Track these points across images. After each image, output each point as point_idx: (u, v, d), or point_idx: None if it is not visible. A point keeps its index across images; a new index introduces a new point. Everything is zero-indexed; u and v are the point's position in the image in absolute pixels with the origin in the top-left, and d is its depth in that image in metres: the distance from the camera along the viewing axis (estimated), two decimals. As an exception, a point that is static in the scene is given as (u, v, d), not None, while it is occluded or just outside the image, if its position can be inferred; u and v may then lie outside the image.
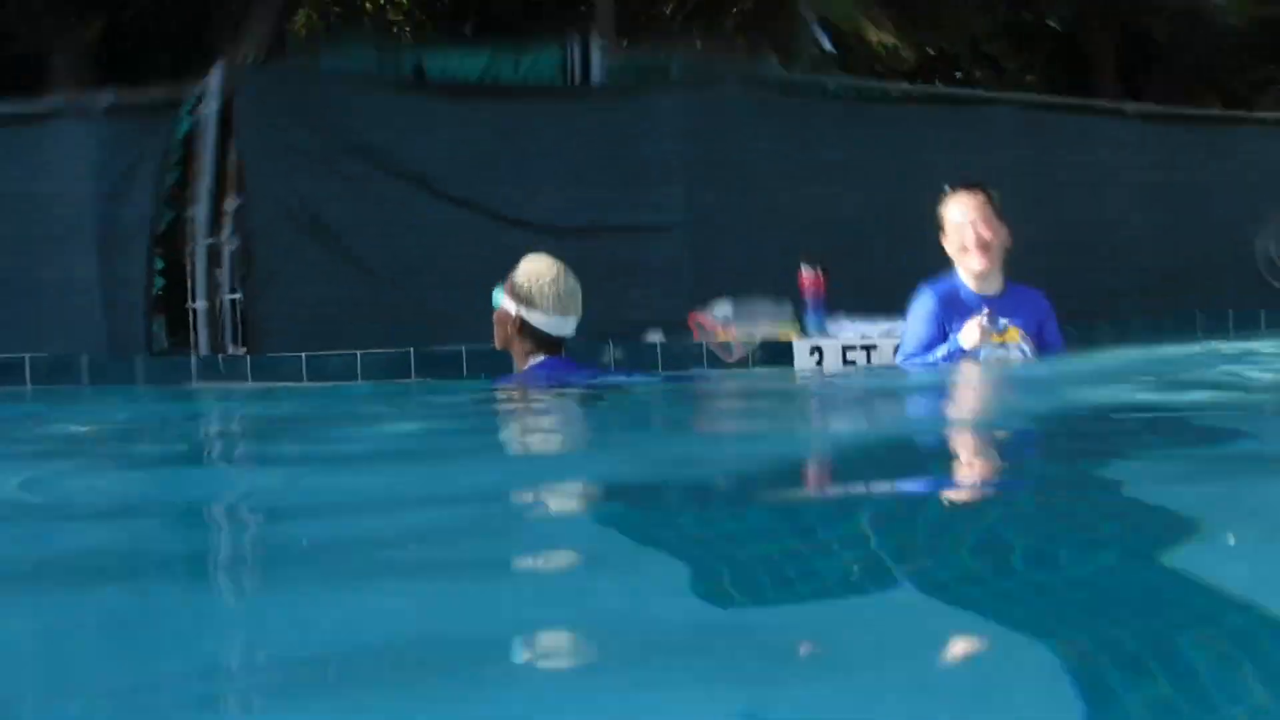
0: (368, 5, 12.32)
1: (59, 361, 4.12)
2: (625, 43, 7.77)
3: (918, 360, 3.98)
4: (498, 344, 3.52)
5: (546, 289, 3.42)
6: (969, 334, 3.86)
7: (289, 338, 6.27)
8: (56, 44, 8.41)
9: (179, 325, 7.14)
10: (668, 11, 12.90)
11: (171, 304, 7.50)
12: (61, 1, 7.97)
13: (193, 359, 4.39)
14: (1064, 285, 7.11)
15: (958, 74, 12.24)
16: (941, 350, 3.94)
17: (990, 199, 4.01)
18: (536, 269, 3.46)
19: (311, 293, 6.35)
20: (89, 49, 8.53)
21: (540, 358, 3.45)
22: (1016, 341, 3.96)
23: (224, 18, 8.70)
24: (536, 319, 3.41)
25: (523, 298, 3.41)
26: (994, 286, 4.03)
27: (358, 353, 4.48)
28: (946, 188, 4.09)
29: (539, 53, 7.24)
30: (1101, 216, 7.88)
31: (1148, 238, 8.02)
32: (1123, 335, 6.14)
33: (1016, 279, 4.20)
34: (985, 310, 3.87)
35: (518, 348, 3.46)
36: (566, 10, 11.57)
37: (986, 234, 3.93)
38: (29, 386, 4.23)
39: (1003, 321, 3.91)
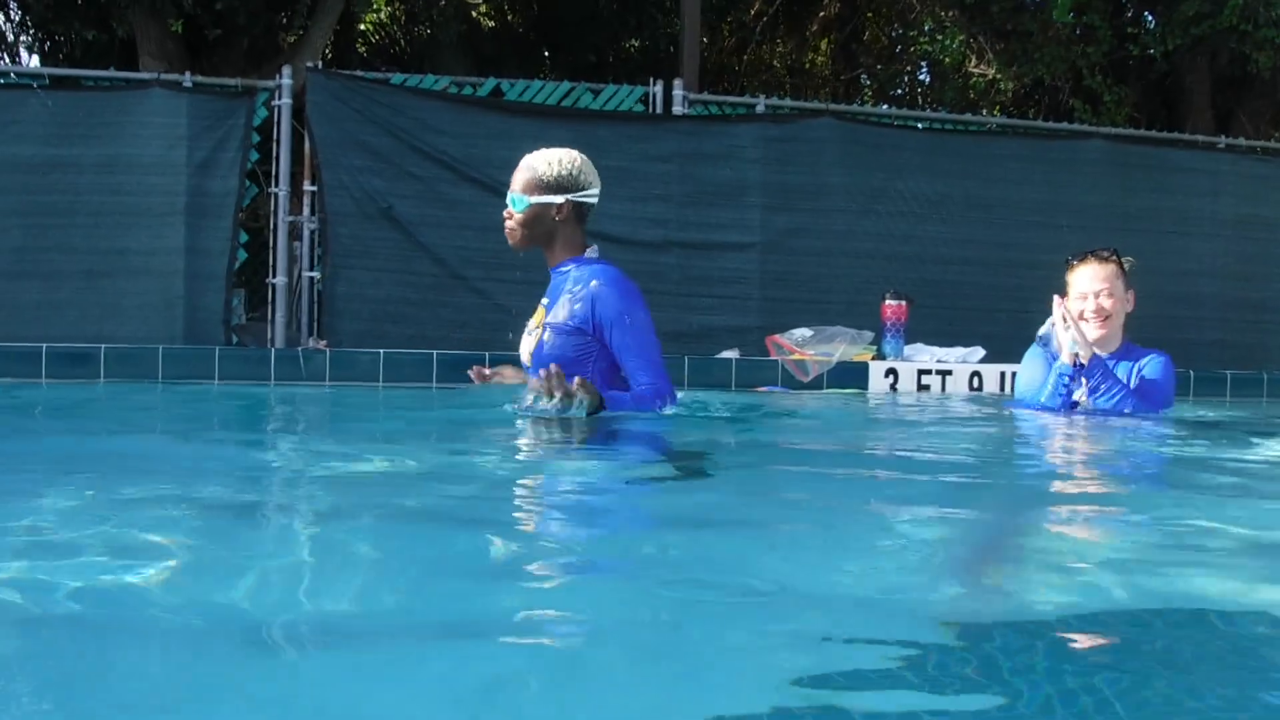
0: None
1: (133, 354, 4.12)
2: (707, 92, 7.77)
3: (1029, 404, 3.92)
4: (525, 243, 3.33)
5: (586, 164, 3.36)
6: (1063, 349, 3.81)
7: (362, 320, 6.45)
8: (145, 29, 8.70)
9: (258, 301, 7.33)
10: (749, 19, 12.90)
11: (251, 279, 7.71)
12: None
13: (271, 354, 4.41)
14: (1140, 331, 7.01)
15: (1048, 100, 12.07)
16: (1049, 386, 3.87)
17: (1122, 268, 3.95)
18: (559, 155, 3.34)
19: (384, 277, 6.52)
20: (174, 34, 8.83)
21: (594, 247, 3.37)
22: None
23: (294, 13, 8.91)
24: (591, 196, 3.35)
25: (567, 184, 3.31)
26: (1109, 348, 3.96)
27: (434, 353, 4.49)
28: (1071, 258, 4.02)
29: (620, 91, 7.27)
30: (1187, 256, 7.69)
31: (1238, 277, 7.82)
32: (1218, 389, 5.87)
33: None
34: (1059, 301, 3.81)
35: (564, 239, 3.33)
36: (649, 56, 11.67)
37: (1109, 306, 3.88)
38: (102, 380, 4.20)
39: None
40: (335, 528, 1.59)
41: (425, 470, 2.28)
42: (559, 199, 3.31)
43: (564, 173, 3.33)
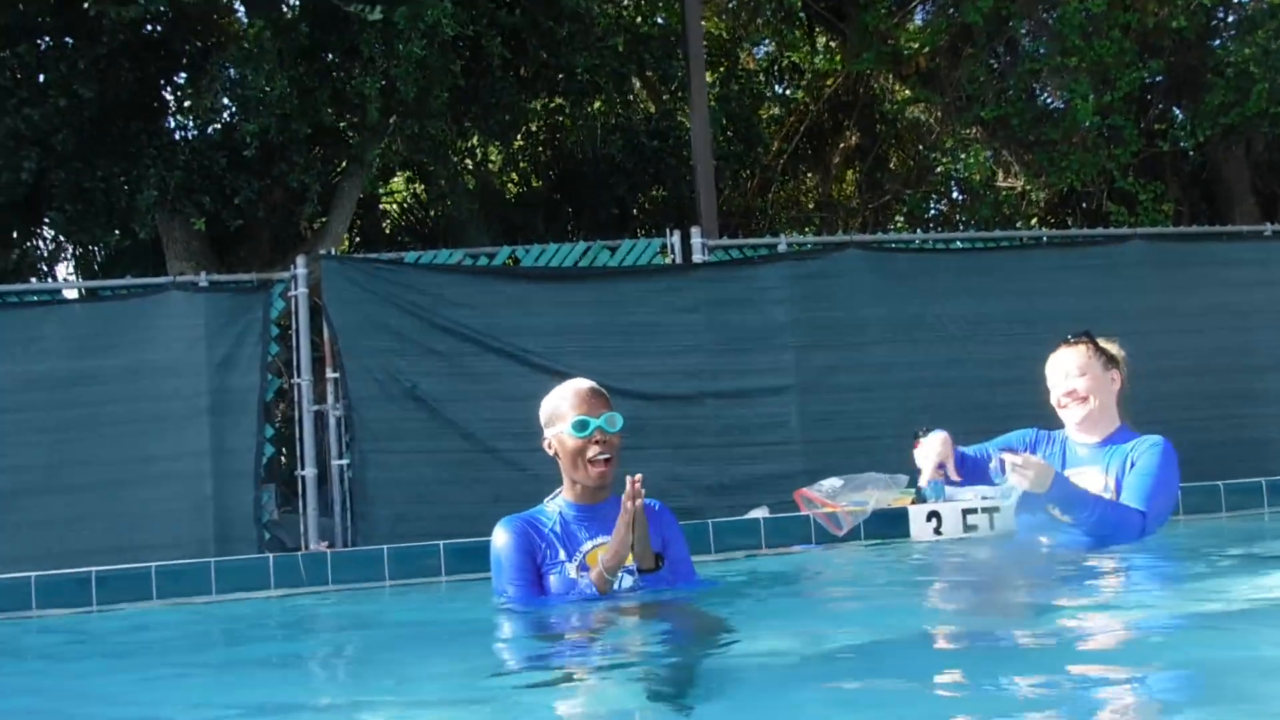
0: (467, 163, 12.64)
1: (126, 575, 3.98)
2: (727, 236, 7.68)
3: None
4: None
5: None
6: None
7: (395, 504, 6.30)
8: (169, 230, 8.90)
9: (291, 494, 7.19)
10: (768, 159, 12.95)
11: (280, 473, 7.58)
12: (176, 195, 8.45)
13: (270, 560, 4.26)
14: (1207, 434, 6.58)
15: (1084, 205, 11.82)
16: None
17: (1096, 349, 3.90)
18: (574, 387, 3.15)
19: (414, 458, 6.39)
20: (198, 232, 9.04)
21: None
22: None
23: (314, 203, 9.09)
24: None
25: None
26: (1095, 435, 3.88)
27: (440, 544, 4.29)
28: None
29: (637, 246, 7.15)
30: (1247, 352, 7.26)
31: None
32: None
33: (1144, 425, 3.93)
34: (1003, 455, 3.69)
35: None
36: (672, 204, 11.75)
37: (1082, 387, 3.84)
38: (95, 607, 4.02)
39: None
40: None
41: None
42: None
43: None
